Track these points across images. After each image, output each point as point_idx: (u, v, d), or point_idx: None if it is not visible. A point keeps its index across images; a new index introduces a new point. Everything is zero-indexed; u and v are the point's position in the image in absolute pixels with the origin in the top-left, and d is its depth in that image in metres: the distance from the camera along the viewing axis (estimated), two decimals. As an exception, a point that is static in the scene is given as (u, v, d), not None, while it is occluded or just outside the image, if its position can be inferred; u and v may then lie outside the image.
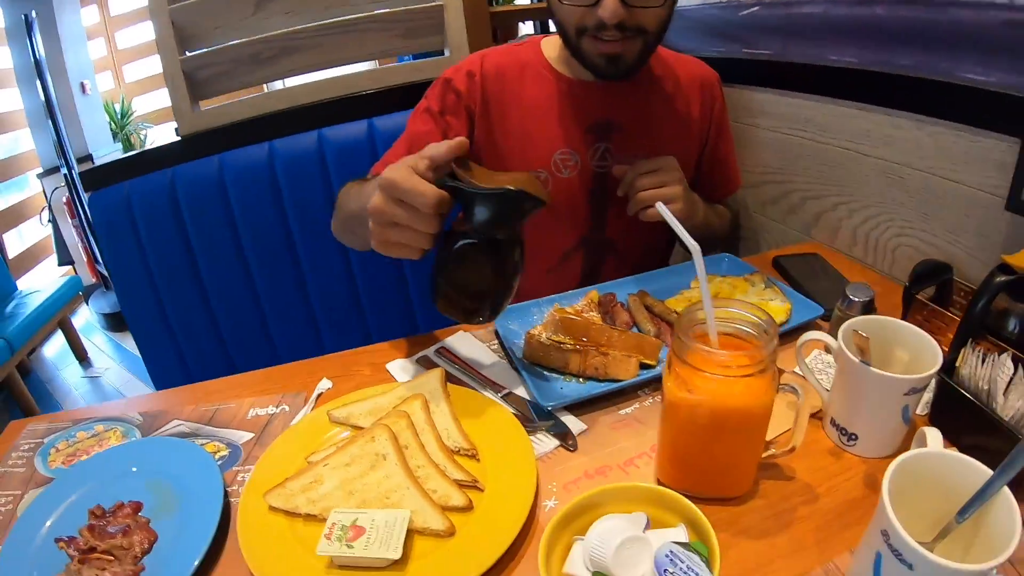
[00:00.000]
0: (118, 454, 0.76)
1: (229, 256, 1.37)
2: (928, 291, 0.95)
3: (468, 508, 0.64)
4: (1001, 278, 0.79)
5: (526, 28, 2.45)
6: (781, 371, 0.62)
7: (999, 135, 0.91)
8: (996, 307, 0.83)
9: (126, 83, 4.15)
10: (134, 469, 0.73)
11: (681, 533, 0.55)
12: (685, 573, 0.50)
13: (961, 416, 0.68)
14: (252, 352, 1.45)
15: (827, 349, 0.73)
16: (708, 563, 0.51)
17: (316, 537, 0.60)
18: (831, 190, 1.24)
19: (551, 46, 1.12)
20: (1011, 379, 0.67)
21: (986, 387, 0.68)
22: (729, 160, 1.25)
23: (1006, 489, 0.50)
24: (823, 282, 1.07)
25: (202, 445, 0.77)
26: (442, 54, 1.49)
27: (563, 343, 0.81)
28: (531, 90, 1.08)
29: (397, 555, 0.57)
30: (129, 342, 3.40)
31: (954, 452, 0.55)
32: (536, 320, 0.92)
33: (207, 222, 1.35)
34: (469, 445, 0.71)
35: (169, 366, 1.44)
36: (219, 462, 0.74)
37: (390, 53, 1.50)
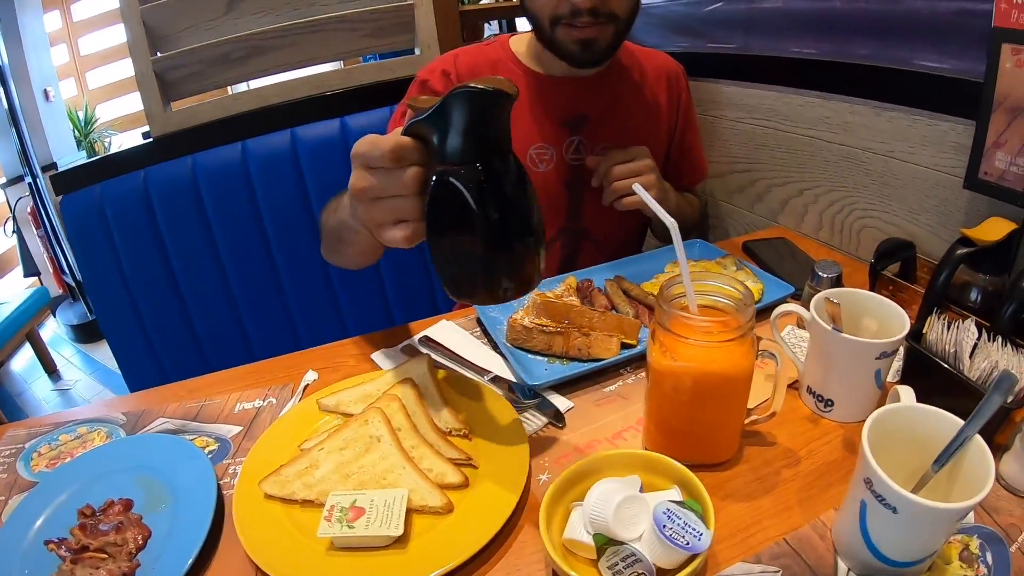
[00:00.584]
0: (104, 453, 0.75)
1: (204, 257, 1.37)
2: (893, 268, 1.00)
3: (464, 485, 0.65)
4: (962, 250, 0.83)
5: (491, 28, 2.47)
6: (759, 338, 0.65)
7: (955, 118, 0.96)
8: (957, 280, 0.87)
9: (90, 90, 4.07)
10: (122, 467, 0.72)
11: (675, 494, 0.58)
12: (683, 528, 0.52)
13: (931, 379, 0.71)
14: (229, 353, 1.45)
15: (799, 324, 0.77)
16: (703, 519, 0.54)
17: (314, 522, 0.61)
18: (796, 176, 1.28)
19: (520, 43, 1.14)
20: (976, 343, 0.72)
21: (953, 350, 0.72)
22: (696, 149, 1.29)
23: (978, 436, 0.54)
24: (791, 264, 1.12)
25: (190, 441, 0.76)
26: (412, 53, 1.51)
27: (546, 326, 0.83)
28: None
29: (399, 532, 0.58)
30: (99, 353, 3.33)
31: (927, 406, 0.58)
32: (516, 307, 0.94)
33: (181, 223, 1.34)
34: (460, 425, 0.73)
35: (145, 370, 1.43)
36: (208, 456, 0.73)
37: (361, 52, 1.51)
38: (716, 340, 0.61)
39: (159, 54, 1.36)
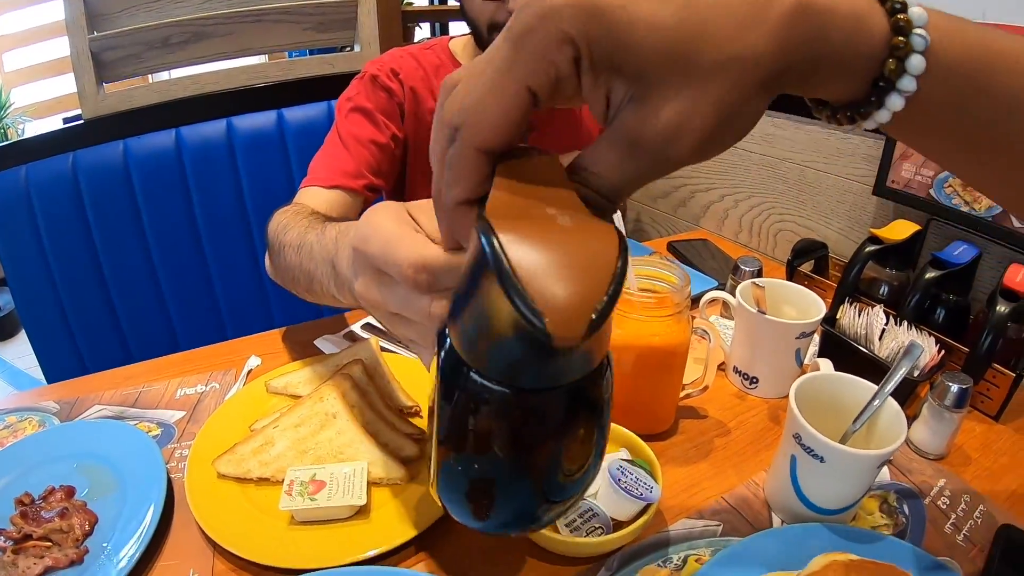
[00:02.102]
0: (39, 441, 0.72)
1: (131, 245, 1.33)
2: (807, 266, 1.10)
3: (421, 457, 0.68)
4: (871, 247, 0.93)
5: (421, 32, 2.48)
6: (693, 317, 0.72)
7: (866, 134, 1.06)
8: (866, 276, 0.97)
9: (5, 72, 3.81)
10: (61, 455, 0.69)
11: (624, 454, 0.63)
12: (635, 482, 0.58)
13: (845, 358, 0.80)
14: (154, 347, 1.40)
15: (723, 314, 0.84)
16: (652, 475, 0.60)
17: (270, 499, 0.61)
18: (718, 183, 1.37)
19: (458, 45, 1.15)
20: (884, 328, 0.81)
21: (864, 332, 0.82)
22: None
23: (891, 398, 0.61)
24: (712, 262, 1.20)
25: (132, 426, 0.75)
26: (352, 49, 1.52)
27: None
28: None
29: (363, 501, 0.60)
30: (7, 351, 3.12)
31: (846, 374, 0.66)
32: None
33: (109, 209, 1.30)
34: (412, 403, 0.75)
35: (65, 365, 1.37)
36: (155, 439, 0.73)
37: (301, 46, 1.51)
38: (656, 316, 0.67)
39: (96, 33, 1.32)
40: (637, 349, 0.68)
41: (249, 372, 0.87)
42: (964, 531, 0.65)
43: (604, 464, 0.58)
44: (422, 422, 0.74)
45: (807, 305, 0.82)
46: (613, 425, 0.66)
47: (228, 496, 0.64)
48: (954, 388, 0.71)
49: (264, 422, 0.72)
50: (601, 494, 0.58)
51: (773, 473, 0.66)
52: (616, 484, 0.56)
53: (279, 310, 1.46)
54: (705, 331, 0.72)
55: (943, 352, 0.79)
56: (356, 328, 0.94)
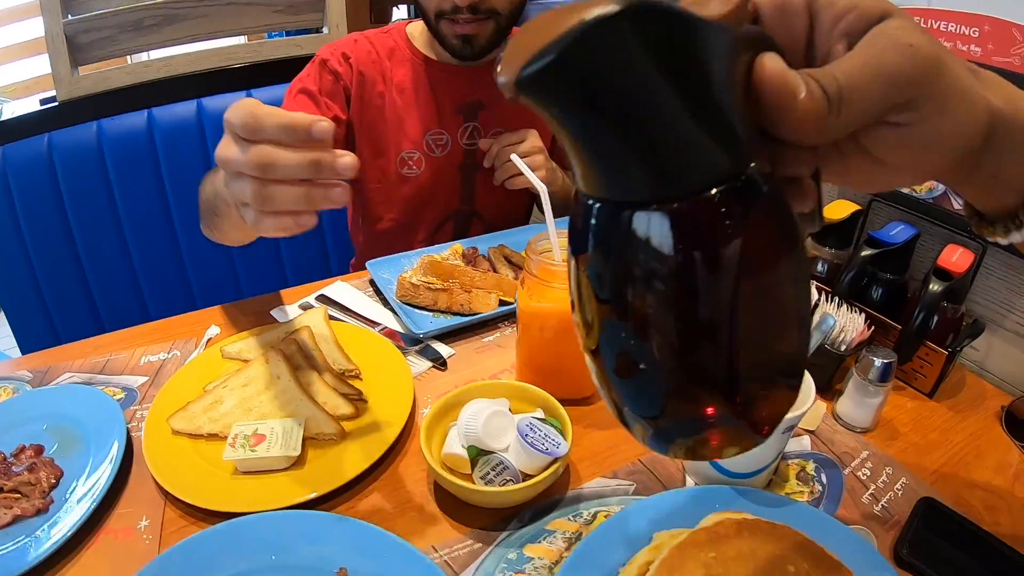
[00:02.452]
0: (11, 405, 0.78)
1: (105, 223, 1.38)
2: None
3: (355, 416, 0.74)
4: None
5: (399, 12, 2.50)
6: None
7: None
8: (809, 254, 1.01)
9: None
10: (32, 417, 0.74)
11: (539, 414, 0.68)
12: (544, 437, 0.63)
13: None
14: (127, 322, 1.46)
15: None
16: (562, 433, 0.65)
17: (218, 452, 0.67)
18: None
19: (416, 29, 1.19)
20: (816, 303, 0.84)
21: None
22: None
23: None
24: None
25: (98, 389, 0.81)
26: (320, 32, 1.56)
27: (432, 284, 0.93)
28: (401, 73, 1.16)
29: (297, 452, 0.67)
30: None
31: None
32: (407, 268, 1.01)
33: (83, 189, 1.35)
34: (353, 366, 0.81)
35: (41, 338, 1.42)
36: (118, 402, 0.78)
37: (271, 28, 1.54)
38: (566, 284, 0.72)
39: (70, 16, 1.36)
40: (557, 315, 0.72)
41: (208, 340, 0.92)
42: (883, 502, 0.67)
43: (516, 421, 0.64)
44: (360, 383, 0.80)
45: None
46: (529, 387, 0.72)
47: (180, 450, 0.70)
48: (878, 363, 0.73)
49: (216, 383, 0.78)
50: (511, 449, 0.63)
51: None
52: (524, 439, 0.62)
53: (247, 283, 1.52)
54: None
55: (872, 328, 0.82)
56: (311, 299, 0.99)
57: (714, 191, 0.24)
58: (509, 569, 0.58)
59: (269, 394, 0.75)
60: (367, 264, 1.03)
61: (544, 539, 0.61)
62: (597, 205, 0.26)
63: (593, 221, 0.26)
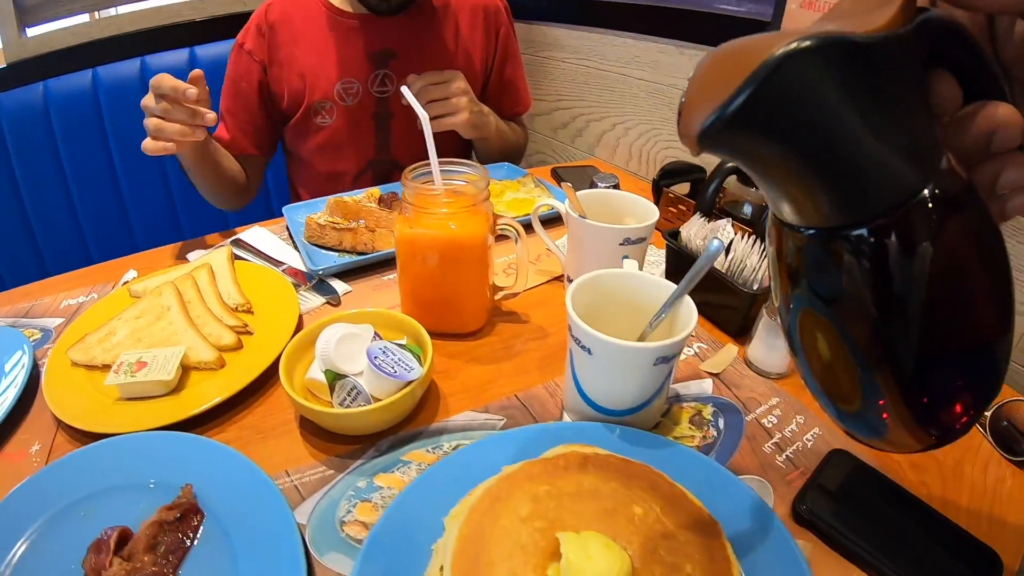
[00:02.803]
0: None
1: (52, 182, 1.40)
2: (682, 188, 1.11)
3: (239, 347, 0.76)
4: (730, 163, 0.92)
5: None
6: (499, 217, 0.77)
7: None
8: (730, 197, 0.99)
9: None
10: None
11: (403, 341, 0.69)
12: (396, 363, 0.63)
13: (684, 271, 0.74)
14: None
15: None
16: (420, 360, 0.65)
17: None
18: (610, 112, 1.42)
19: None
20: (731, 242, 0.81)
21: (704, 245, 0.82)
22: (517, 82, 1.38)
23: (688, 298, 0.60)
24: (589, 186, 1.24)
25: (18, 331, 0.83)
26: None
27: (337, 223, 0.94)
28: (312, 28, 1.18)
29: (170, 376, 0.69)
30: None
31: (644, 273, 0.66)
32: (320, 208, 1.03)
33: (30, 150, 1.37)
34: (245, 301, 0.83)
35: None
36: (32, 343, 0.80)
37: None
38: (453, 209, 0.72)
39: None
40: (434, 241, 0.73)
41: (125, 283, 0.94)
42: (788, 452, 0.63)
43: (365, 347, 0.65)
44: (250, 318, 0.82)
45: (645, 214, 0.83)
46: (396, 314, 0.72)
47: (76, 381, 0.73)
48: None
49: (114, 317, 0.81)
50: (364, 374, 0.64)
51: (566, 375, 0.65)
52: (372, 361, 0.62)
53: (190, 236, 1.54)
54: (511, 230, 0.77)
55: None
56: (226, 243, 1.02)
57: (924, 193, 0.25)
58: (356, 497, 0.58)
59: (159, 325, 0.77)
60: (283, 209, 1.04)
61: (398, 469, 0.61)
62: (811, 233, 0.27)
63: (815, 251, 0.28)
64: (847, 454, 0.61)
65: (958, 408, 0.29)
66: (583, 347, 0.58)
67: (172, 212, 1.51)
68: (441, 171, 0.76)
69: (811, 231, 0.27)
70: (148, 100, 0.90)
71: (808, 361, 0.32)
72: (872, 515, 0.56)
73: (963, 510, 0.58)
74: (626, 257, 0.77)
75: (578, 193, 0.85)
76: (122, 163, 1.43)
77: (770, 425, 0.67)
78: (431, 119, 1.13)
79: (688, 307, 0.60)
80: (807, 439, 0.65)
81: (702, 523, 0.50)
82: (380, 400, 0.62)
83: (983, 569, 0.52)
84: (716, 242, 0.62)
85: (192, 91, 0.87)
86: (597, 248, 0.79)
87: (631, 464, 0.55)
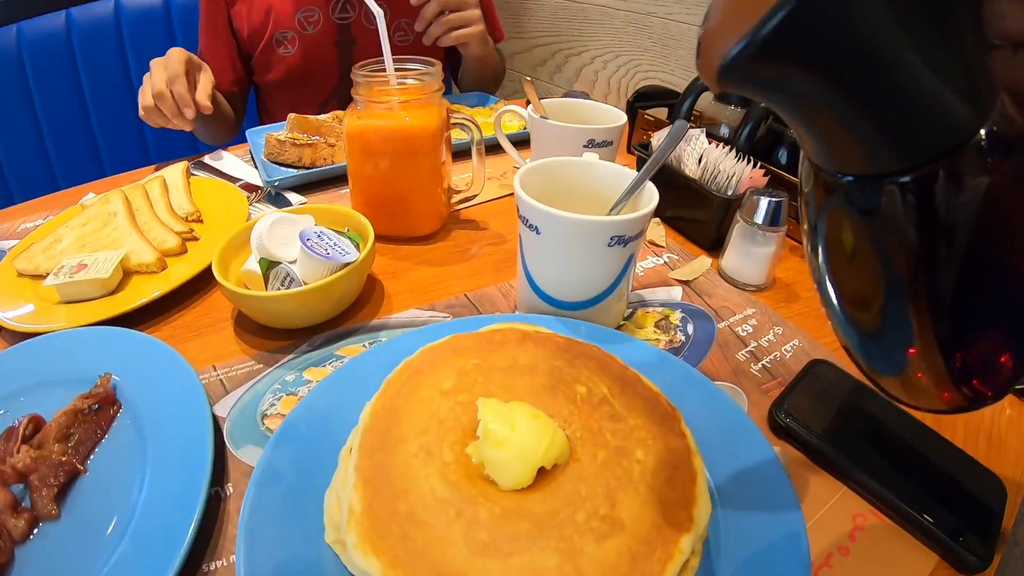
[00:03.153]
0: None
1: (24, 123, 1.39)
2: (659, 112, 1.06)
3: (182, 251, 0.74)
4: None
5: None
6: (454, 110, 0.73)
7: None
8: (707, 116, 0.95)
9: None
10: None
11: (343, 231, 0.65)
12: (331, 246, 0.60)
13: (655, 180, 0.62)
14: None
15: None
16: (357, 247, 0.62)
17: (52, 289, 0.67)
18: (589, 45, 1.38)
19: None
20: (703, 152, 0.78)
21: (677, 155, 0.80)
22: (491, 9, 1.33)
23: (650, 184, 0.57)
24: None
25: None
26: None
27: (297, 139, 0.91)
28: None
29: (106, 275, 0.66)
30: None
31: (605, 162, 0.61)
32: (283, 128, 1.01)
33: (3, 93, 1.36)
34: (195, 210, 0.81)
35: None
36: None
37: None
38: (405, 98, 0.69)
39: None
40: (387, 131, 0.69)
41: (82, 205, 0.92)
42: (764, 361, 0.59)
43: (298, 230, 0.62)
44: (200, 227, 0.79)
45: (613, 120, 0.80)
46: (340, 208, 0.69)
47: (19, 289, 0.71)
48: (764, 202, 0.63)
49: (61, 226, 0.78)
50: (298, 261, 0.61)
51: (517, 268, 0.61)
52: (304, 243, 0.59)
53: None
54: (465, 121, 0.73)
55: (769, 178, 0.74)
56: (191, 165, 0.99)
57: (980, 135, 0.22)
58: (282, 390, 0.55)
59: (105, 232, 0.75)
60: (246, 132, 1.02)
61: (330, 363, 0.58)
62: (850, 180, 0.24)
63: (856, 199, 0.25)
64: (830, 364, 0.56)
65: (997, 368, 0.26)
66: (531, 227, 0.54)
67: (144, 154, 1.49)
68: (398, 66, 0.73)
69: (850, 178, 0.24)
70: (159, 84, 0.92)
71: (842, 312, 0.29)
72: (858, 428, 0.51)
73: (958, 434, 0.53)
74: (587, 147, 0.73)
75: (544, 101, 0.81)
76: (95, 107, 1.41)
77: (744, 334, 0.63)
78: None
79: (650, 193, 0.56)
80: (786, 350, 0.61)
81: (659, 409, 0.45)
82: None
83: (985, 495, 0.46)
84: (683, 126, 0.59)
85: (189, 111, 0.92)
86: (560, 151, 0.73)
87: (578, 343, 0.50)
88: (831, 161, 0.24)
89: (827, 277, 0.29)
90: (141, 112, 0.93)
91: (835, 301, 0.29)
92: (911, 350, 0.27)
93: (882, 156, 0.22)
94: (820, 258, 0.29)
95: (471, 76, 1.32)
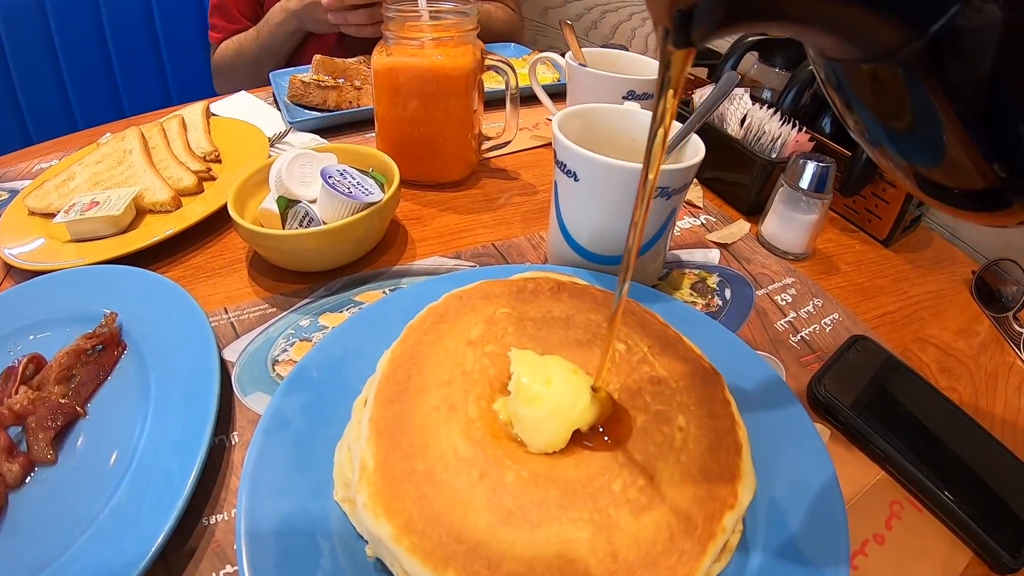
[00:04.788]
0: None
1: (44, 67, 1.37)
2: (702, 72, 1.02)
3: (198, 191, 0.70)
4: (752, 38, 0.86)
5: None
6: (489, 54, 0.69)
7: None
8: (749, 79, 0.91)
9: None
10: None
11: (368, 170, 0.62)
12: (354, 185, 0.56)
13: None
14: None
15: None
16: (381, 187, 0.58)
17: (63, 227, 0.64)
18: (627, 1, 1.31)
19: None
20: (747, 112, 0.74)
21: (720, 113, 0.76)
22: None
23: (696, 136, 0.53)
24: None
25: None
26: None
27: (322, 81, 0.86)
28: None
29: (118, 212, 0.63)
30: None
31: (645, 111, 0.57)
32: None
33: (23, 33, 1.34)
34: (213, 149, 0.77)
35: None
36: None
37: None
38: (436, 35, 0.65)
39: None
40: (417, 70, 0.65)
41: (98, 144, 0.89)
42: (803, 333, 0.57)
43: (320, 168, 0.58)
44: (218, 166, 0.76)
45: (655, 73, 0.74)
46: (366, 148, 0.65)
47: (30, 227, 0.67)
48: (811, 166, 0.61)
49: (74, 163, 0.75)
50: (319, 200, 0.57)
51: (550, 216, 0.58)
52: (325, 180, 0.56)
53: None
54: (502, 66, 0.69)
55: (815, 144, 0.70)
56: (212, 105, 0.95)
57: None
58: (296, 336, 0.52)
59: (119, 169, 0.72)
60: (270, 74, 0.97)
61: (347, 309, 0.55)
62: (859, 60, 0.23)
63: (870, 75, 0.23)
64: (872, 341, 0.53)
65: None
66: (568, 172, 0.51)
67: (165, 89, 1.46)
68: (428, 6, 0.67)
69: (861, 59, 0.23)
70: None
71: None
72: (899, 411, 0.48)
73: (996, 427, 0.49)
74: (627, 99, 0.68)
75: (584, 50, 0.76)
76: (114, 38, 1.38)
77: (784, 303, 0.60)
78: None
79: (695, 146, 0.52)
80: (825, 323, 0.58)
81: (701, 371, 0.42)
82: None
83: (1022, 492, 0.43)
84: (733, 76, 0.55)
85: None
86: (598, 102, 0.71)
87: (612, 295, 0.46)
88: (839, 50, 0.23)
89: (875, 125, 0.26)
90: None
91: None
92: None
93: (886, 31, 0.21)
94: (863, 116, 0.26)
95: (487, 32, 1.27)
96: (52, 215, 0.68)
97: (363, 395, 0.41)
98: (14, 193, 0.80)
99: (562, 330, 0.44)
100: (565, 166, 0.51)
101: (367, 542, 0.34)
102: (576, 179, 0.50)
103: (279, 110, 0.92)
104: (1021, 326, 0.60)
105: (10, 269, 0.63)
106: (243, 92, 0.99)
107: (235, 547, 0.33)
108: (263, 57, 1.16)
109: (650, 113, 0.54)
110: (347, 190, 0.55)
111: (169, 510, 0.36)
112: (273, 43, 1.14)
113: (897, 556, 0.40)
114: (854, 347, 0.52)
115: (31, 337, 0.51)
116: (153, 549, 0.35)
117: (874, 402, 0.48)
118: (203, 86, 1.46)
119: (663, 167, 0.47)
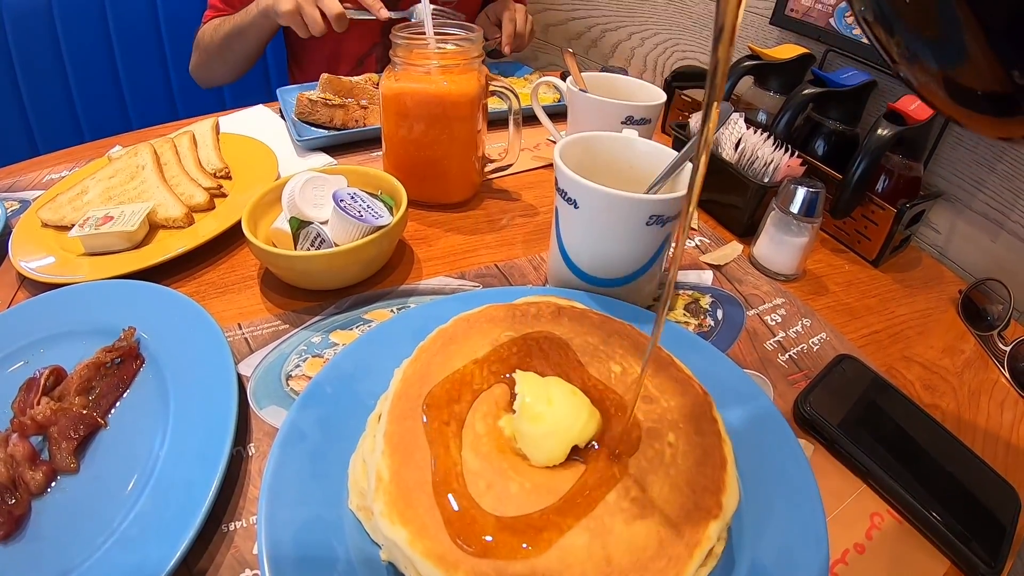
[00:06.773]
0: None
1: (51, 76, 1.38)
2: (697, 93, 1.05)
3: (210, 207, 0.72)
4: (747, 63, 0.89)
5: None
6: (493, 79, 0.71)
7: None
8: (744, 100, 0.94)
9: None
10: None
11: (376, 193, 0.64)
12: (364, 208, 0.58)
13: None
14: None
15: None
16: (390, 210, 0.60)
17: (75, 239, 0.66)
18: (627, 21, 1.34)
19: None
20: (741, 137, 0.76)
21: (714, 139, 0.77)
22: None
23: (690, 164, 0.54)
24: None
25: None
26: None
27: (329, 100, 0.89)
28: None
29: (133, 228, 0.65)
30: None
31: (643, 139, 0.60)
32: (314, 86, 0.98)
33: (32, 43, 1.35)
34: (223, 166, 0.79)
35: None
36: (9, 213, 0.78)
37: None
38: (441, 62, 0.67)
39: None
40: (425, 95, 0.68)
41: (109, 157, 0.91)
42: (791, 352, 0.59)
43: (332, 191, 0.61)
44: (228, 183, 0.78)
45: (650, 98, 0.78)
46: (374, 171, 0.67)
47: (43, 240, 0.69)
48: (802, 192, 0.63)
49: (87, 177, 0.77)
50: (330, 222, 0.59)
51: (551, 240, 0.60)
52: (337, 204, 0.58)
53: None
54: (504, 90, 0.71)
55: (806, 168, 0.73)
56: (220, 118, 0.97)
57: None
58: (308, 352, 0.55)
59: (132, 184, 0.74)
60: (277, 90, 1.00)
61: (357, 327, 0.57)
62: None
63: None
64: (856, 360, 0.56)
65: None
66: (569, 200, 0.53)
67: (171, 101, 1.47)
68: (438, 29, 0.70)
69: None
70: None
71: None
72: (880, 426, 0.51)
73: (977, 442, 0.53)
74: (625, 124, 0.71)
75: (583, 74, 0.79)
76: (121, 48, 1.39)
77: (773, 323, 0.62)
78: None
79: (687, 168, 0.55)
80: (813, 343, 0.61)
81: (691, 393, 0.44)
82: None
83: (999, 504, 0.46)
84: (724, 103, 0.58)
85: None
86: (597, 126, 0.72)
87: (612, 321, 0.49)
88: None
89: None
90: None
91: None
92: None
93: None
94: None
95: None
96: (65, 228, 0.70)
97: (377, 411, 0.44)
98: (25, 203, 0.82)
99: (562, 352, 0.46)
100: (566, 193, 0.53)
101: (380, 547, 0.36)
102: (576, 206, 0.53)
103: (284, 120, 0.94)
104: (1006, 344, 0.63)
105: (23, 281, 0.65)
106: (260, 106, 1.01)
107: (255, 552, 0.35)
108: (232, 38, 1.13)
109: (647, 141, 0.58)
110: (358, 213, 0.58)
111: (192, 517, 0.39)
112: (244, 22, 1.09)
113: (877, 565, 0.42)
114: (839, 366, 0.55)
115: (43, 350, 0.53)
116: (178, 554, 0.37)
117: (857, 418, 0.51)
118: (209, 96, 1.48)
119: (660, 196, 0.50)
